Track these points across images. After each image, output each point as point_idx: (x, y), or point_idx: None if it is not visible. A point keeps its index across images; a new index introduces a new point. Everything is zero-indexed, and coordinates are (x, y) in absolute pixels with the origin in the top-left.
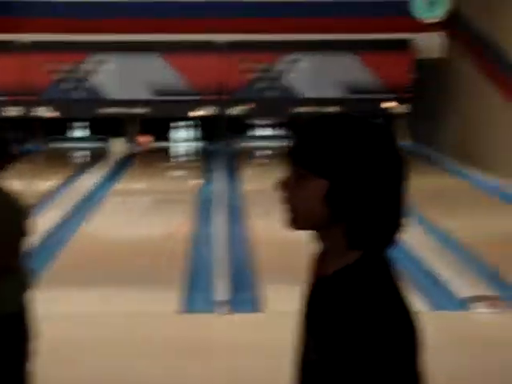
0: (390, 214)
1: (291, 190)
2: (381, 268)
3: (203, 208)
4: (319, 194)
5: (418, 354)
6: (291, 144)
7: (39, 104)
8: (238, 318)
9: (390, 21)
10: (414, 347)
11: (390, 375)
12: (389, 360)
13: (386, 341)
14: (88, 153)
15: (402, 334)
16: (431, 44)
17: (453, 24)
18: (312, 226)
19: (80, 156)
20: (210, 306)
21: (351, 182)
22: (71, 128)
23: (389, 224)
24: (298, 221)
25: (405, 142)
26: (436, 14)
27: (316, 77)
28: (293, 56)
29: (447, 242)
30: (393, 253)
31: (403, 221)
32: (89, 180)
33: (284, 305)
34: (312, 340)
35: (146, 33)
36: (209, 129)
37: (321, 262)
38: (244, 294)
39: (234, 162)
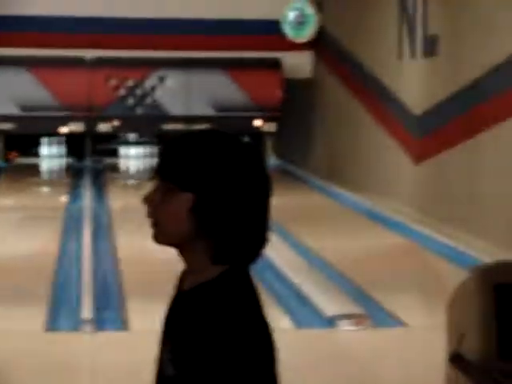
0: (254, 229)
1: (157, 204)
2: (242, 284)
3: (70, 225)
4: (185, 207)
5: (276, 372)
6: (158, 159)
7: None
8: (103, 336)
9: (260, 39)
10: (271, 364)
11: None
12: (245, 377)
13: (242, 357)
14: None
15: (259, 351)
16: (300, 63)
17: (321, 44)
18: (177, 240)
19: None
20: (75, 324)
21: (217, 196)
22: None
23: (253, 240)
24: (163, 235)
25: (274, 160)
26: (305, 34)
27: (186, 94)
28: (162, 73)
29: (314, 259)
30: (260, 271)
31: (267, 236)
32: None
33: (150, 323)
34: (170, 355)
35: (12, 47)
36: (77, 145)
37: (185, 278)
38: (110, 312)
39: (102, 178)
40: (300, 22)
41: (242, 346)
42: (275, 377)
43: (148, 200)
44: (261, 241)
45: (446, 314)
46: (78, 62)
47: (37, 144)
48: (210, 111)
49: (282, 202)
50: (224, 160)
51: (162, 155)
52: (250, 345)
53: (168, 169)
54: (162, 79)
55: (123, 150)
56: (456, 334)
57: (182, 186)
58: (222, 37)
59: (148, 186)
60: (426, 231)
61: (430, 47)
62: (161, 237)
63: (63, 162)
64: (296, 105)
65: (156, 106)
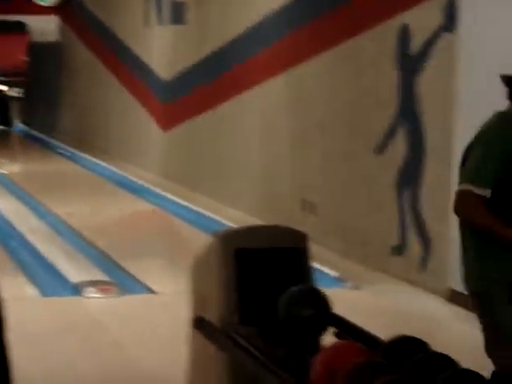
0: None
1: None
2: None
3: None
4: None
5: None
6: None
7: None
8: None
9: (5, 2)
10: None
11: None
12: None
13: None
14: None
15: None
16: (46, 27)
17: (67, 8)
18: None
19: None
20: None
21: None
22: None
23: None
24: None
25: (21, 126)
26: None
27: None
28: None
29: (60, 227)
30: (5, 238)
31: None
32: None
33: None
34: None
35: None
36: None
37: None
38: None
39: None
40: None
41: None
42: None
43: None
44: None
45: (189, 279)
46: None
47: None
48: None
49: (28, 169)
50: None
51: None
52: None
53: None
54: None
55: None
56: (199, 298)
57: None
58: None
59: None
60: (175, 198)
61: (177, 14)
62: None
63: None
64: (44, 70)
65: None
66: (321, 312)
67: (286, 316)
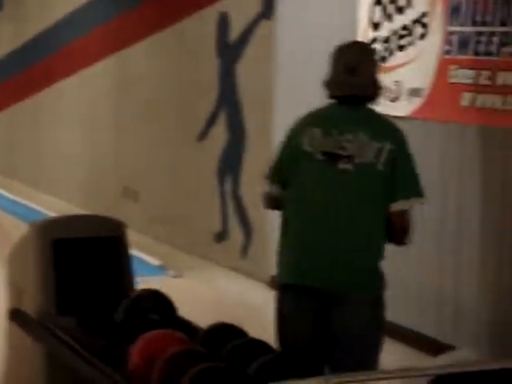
0: None
1: None
2: None
3: None
4: None
5: None
6: None
7: None
8: None
9: None
10: None
11: None
12: None
13: None
14: None
15: None
16: None
17: None
18: None
19: None
20: None
21: None
22: None
23: None
24: None
25: None
26: None
27: None
28: None
29: None
30: None
31: None
32: None
33: None
34: None
35: None
36: None
37: None
38: None
39: None
40: None
41: None
42: None
43: None
44: None
45: (5, 269)
46: None
47: None
48: None
49: None
50: None
51: None
52: None
53: None
54: None
55: None
56: (15, 290)
57: None
58: None
59: None
60: None
61: None
62: None
63: None
64: None
65: None
66: (165, 315)
67: (125, 320)
